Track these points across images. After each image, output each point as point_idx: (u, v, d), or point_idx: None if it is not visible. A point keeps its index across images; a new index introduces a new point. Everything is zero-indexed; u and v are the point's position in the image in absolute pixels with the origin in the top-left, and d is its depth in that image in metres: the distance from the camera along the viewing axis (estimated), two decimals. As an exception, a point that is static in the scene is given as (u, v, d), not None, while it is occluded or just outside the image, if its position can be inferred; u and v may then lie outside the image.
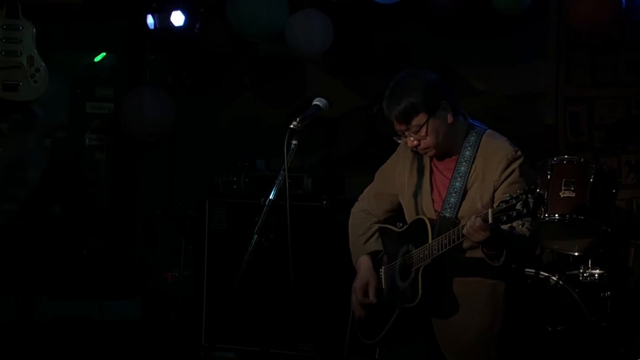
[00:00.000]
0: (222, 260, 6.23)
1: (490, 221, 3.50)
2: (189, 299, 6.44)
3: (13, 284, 6.51)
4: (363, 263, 4.11)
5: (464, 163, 3.87)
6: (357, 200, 4.29)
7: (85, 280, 6.66)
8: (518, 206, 3.42)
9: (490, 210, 3.51)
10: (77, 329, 6.39)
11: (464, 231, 3.60)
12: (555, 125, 6.66)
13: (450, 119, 3.85)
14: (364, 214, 4.21)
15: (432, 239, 3.79)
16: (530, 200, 3.39)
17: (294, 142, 3.70)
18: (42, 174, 7.08)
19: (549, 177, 5.02)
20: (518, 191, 3.45)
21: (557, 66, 6.63)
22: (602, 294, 5.38)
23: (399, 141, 3.95)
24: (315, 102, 3.86)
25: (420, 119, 3.79)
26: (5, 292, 6.51)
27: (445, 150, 3.91)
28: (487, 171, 3.83)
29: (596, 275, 5.41)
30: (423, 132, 3.80)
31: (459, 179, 3.86)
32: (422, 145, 3.85)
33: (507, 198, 3.47)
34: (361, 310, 4.08)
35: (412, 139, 3.83)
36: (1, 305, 6.45)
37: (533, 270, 5.40)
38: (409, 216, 4.02)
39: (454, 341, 3.87)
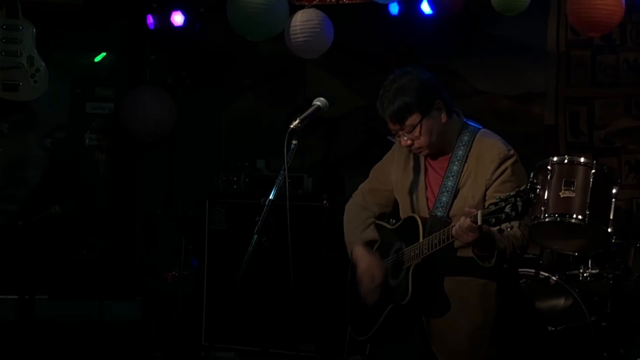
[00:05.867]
0: (222, 260, 6.23)
1: (479, 223, 3.51)
2: (189, 299, 6.44)
3: (13, 284, 6.51)
4: (360, 252, 4.08)
5: (457, 162, 3.88)
6: (352, 196, 4.29)
7: (85, 280, 6.65)
8: (507, 209, 3.42)
9: (479, 213, 3.51)
10: (77, 329, 6.38)
11: (453, 232, 3.61)
12: (555, 125, 6.65)
13: (444, 118, 3.86)
14: (360, 208, 4.21)
15: (423, 237, 3.81)
16: (519, 204, 3.39)
17: (294, 142, 3.70)
18: (42, 174, 7.09)
19: (549, 177, 5.01)
20: (507, 193, 3.45)
21: (557, 66, 6.63)
22: (602, 294, 5.38)
23: (394, 140, 3.95)
24: (315, 102, 3.86)
25: (414, 119, 3.80)
26: (5, 292, 6.51)
27: (439, 150, 3.91)
28: (480, 170, 3.83)
29: (596, 275, 5.40)
30: (417, 132, 3.81)
31: (451, 178, 3.87)
32: (416, 145, 3.85)
33: (497, 200, 3.47)
34: (374, 295, 4.00)
35: (405, 138, 3.84)
36: (1, 305, 6.45)
37: (533, 270, 5.40)
38: (403, 213, 4.04)
39: (445, 341, 3.88)
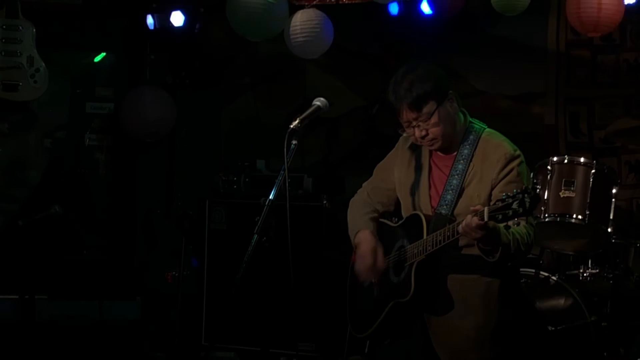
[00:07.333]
0: (222, 260, 6.23)
1: (486, 219, 3.51)
2: (189, 299, 6.44)
3: (13, 284, 6.50)
4: (364, 235, 4.07)
5: (462, 161, 3.89)
6: (356, 193, 4.30)
7: (85, 280, 6.65)
8: (514, 205, 3.42)
9: (486, 209, 3.52)
10: (77, 329, 6.38)
11: (460, 229, 3.61)
12: (555, 125, 6.66)
13: (455, 110, 3.88)
14: (364, 202, 4.22)
15: (427, 235, 3.81)
16: (527, 200, 3.39)
17: (294, 142, 3.70)
18: (42, 174, 7.09)
19: (549, 177, 5.01)
20: (515, 190, 3.46)
21: (557, 66, 6.63)
22: (602, 294, 5.38)
23: (404, 134, 3.94)
24: (315, 102, 3.86)
25: (430, 106, 3.81)
26: (5, 292, 6.51)
27: (448, 144, 3.91)
28: (485, 170, 3.84)
29: (596, 275, 5.41)
30: (433, 120, 3.82)
31: (457, 176, 3.88)
32: (430, 135, 3.85)
33: (504, 197, 3.48)
34: (372, 275, 4.00)
35: (420, 128, 3.84)
36: (1, 305, 6.45)
37: (533, 270, 5.40)
38: (406, 211, 4.03)
39: (446, 339, 3.88)
